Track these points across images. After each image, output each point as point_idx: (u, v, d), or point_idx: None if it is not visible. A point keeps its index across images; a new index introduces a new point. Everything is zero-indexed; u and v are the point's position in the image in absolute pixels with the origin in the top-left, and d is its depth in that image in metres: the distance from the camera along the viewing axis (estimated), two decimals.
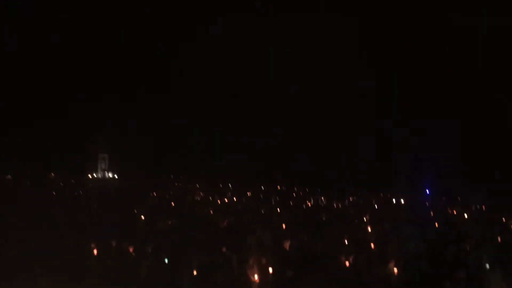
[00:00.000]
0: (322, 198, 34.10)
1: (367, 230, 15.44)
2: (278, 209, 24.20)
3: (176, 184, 59.57)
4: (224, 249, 10.68)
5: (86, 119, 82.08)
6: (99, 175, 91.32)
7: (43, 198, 28.90)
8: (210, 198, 33.40)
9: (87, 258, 10.27)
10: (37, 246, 11.00)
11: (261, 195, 38.63)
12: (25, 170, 61.77)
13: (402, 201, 30.91)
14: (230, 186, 51.39)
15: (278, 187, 49.09)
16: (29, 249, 10.76)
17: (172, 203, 25.85)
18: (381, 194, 38.40)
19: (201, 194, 38.53)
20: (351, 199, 33.32)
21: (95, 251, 10.58)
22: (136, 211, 20.19)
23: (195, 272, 9.34)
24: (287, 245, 11.23)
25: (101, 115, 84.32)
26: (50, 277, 8.72)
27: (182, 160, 76.69)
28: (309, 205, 29.01)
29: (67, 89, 76.59)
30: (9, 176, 63.25)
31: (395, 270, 9.61)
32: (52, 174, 73.99)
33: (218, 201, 30.51)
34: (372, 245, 12.30)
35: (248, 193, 39.28)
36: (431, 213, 24.33)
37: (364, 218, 19.58)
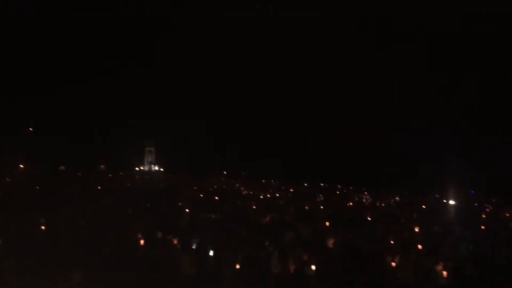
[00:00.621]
0: (367, 196, 33.47)
1: (414, 230, 14.99)
2: (321, 206, 23.96)
3: (220, 179, 60.42)
4: (266, 244, 10.65)
5: (133, 114, 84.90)
6: (146, 168, 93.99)
7: (93, 189, 30.11)
8: (253, 193, 33.55)
9: (133, 249, 10.53)
10: (88, 235, 11.41)
11: (304, 192, 38.44)
12: (77, 162, 64.53)
13: (452, 201, 29.81)
14: (273, 182, 51.47)
15: (322, 184, 48.69)
16: (81, 238, 11.18)
17: (216, 197, 26.14)
18: (429, 194, 37.30)
19: (244, 189, 38.83)
20: (397, 198, 32.50)
21: (141, 242, 10.84)
22: (180, 204, 20.60)
23: (237, 266, 9.38)
24: (330, 242, 11.04)
25: (149, 111, 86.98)
26: (98, 265, 9.01)
27: (226, 156, 77.83)
28: (353, 203, 28.54)
29: (116, 86, 79.49)
30: (62, 167, 66.31)
31: (444, 273, 9.24)
32: (102, 166, 76.92)
33: (261, 196, 30.59)
34: (420, 246, 11.91)
35: (291, 190, 39.16)
36: (482, 214, 23.35)
37: (411, 218, 19.03)
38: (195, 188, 35.07)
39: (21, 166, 58.58)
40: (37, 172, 51.42)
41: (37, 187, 27.99)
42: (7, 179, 36.45)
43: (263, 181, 54.45)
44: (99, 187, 30.67)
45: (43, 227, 12.44)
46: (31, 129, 69.32)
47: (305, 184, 49.77)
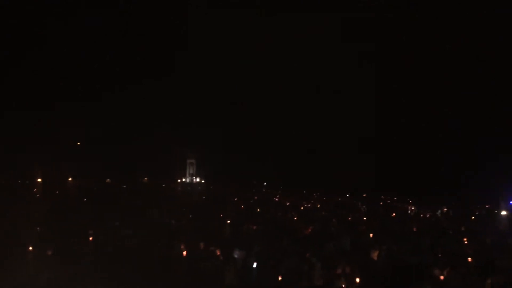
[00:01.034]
0: (411, 207, 32.53)
1: (463, 242, 14.41)
2: (364, 217, 23.50)
3: (260, 190, 60.55)
4: (308, 256, 10.55)
5: (175, 127, 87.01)
6: (188, 180, 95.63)
7: (136, 199, 30.94)
8: (294, 204, 33.36)
9: (176, 259, 10.71)
10: (133, 246, 11.71)
11: (347, 203, 37.84)
12: (122, 175, 66.63)
13: (504, 212, 28.47)
14: (315, 194, 50.97)
15: (364, 195, 47.75)
16: (126, 249, 11.50)
17: (257, 208, 26.16)
18: (478, 205, 35.78)
19: (285, 200, 38.68)
20: (445, 209, 31.37)
21: (184, 253, 11.01)
22: (222, 215, 20.79)
23: (279, 278, 9.34)
24: (375, 255, 10.79)
25: (190, 124, 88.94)
26: (143, 274, 9.23)
27: (267, 167, 78.11)
28: (398, 214, 27.81)
29: (156, 99, 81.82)
30: (108, 180, 68.61)
31: None
32: (146, 178, 79.07)
33: (302, 207, 30.38)
34: (469, 259, 11.43)
35: (333, 200, 38.67)
36: None
37: (459, 229, 18.32)
38: (236, 199, 35.27)
39: (70, 179, 61.10)
40: (85, 185, 53.44)
41: (85, 199, 29.11)
42: (56, 192, 38.10)
43: (304, 192, 54.01)
44: (142, 199, 31.46)
45: (91, 238, 12.88)
46: (78, 143, 72.20)
47: (347, 195, 48.99)
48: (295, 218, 21.28)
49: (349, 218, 21.80)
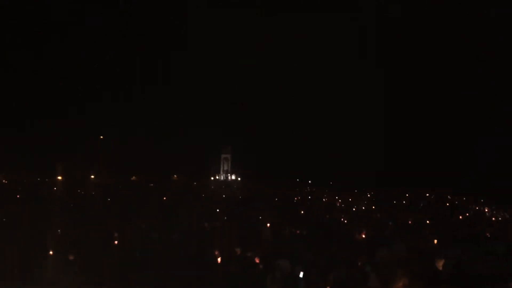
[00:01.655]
0: (485, 209, 31.61)
1: None
2: (427, 220, 23.04)
3: (304, 189, 60.47)
4: (360, 264, 10.45)
5: (210, 123, 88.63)
6: (222, 177, 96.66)
7: (165, 199, 31.60)
8: (344, 205, 33.11)
9: (209, 266, 10.86)
10: (161, 251, 11.97)
11: (406, 203, 37.19)
12: (150, 172, 68.24)
13: None
14: (369, 193, 50.36)
15: (427, 194, 46.78)
16: (153, 254, 11.77)
17: (301, 210, 26.15)
18: None
19: (334, 200, 38.46)
20: None
21: (218, 260, 11.15)
22: (261, 217, 20.91)
23: None
24: (440, 264, 10.55)
25: (227, 120, 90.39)
26: (172, 282, 9.44)
27: (313, 164, 78.04)
28: (468, 217, 27.07)
29: (187, 93, 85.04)
30: (134, 178, 70.50)
31: None
32: (175, 176, 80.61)
33: (354, 208, 30.11)
34: None
35: (390, 200, 38.09)
36: None
37: None
38: (276, 199, 35.39)
39: (92, 177, 63.15)
40: (109, 183, 55.10)
41: (108, 199, 30.04)
42: (78, 191, 39.46)
43: (355, 191, 53.51)
44: (171, 199, 32.09)
45: (116, 242, 13.27)
46: (101, 137, 74.40)
47: (406, 195, 48.09)
48: (345, 221, 21.13)
49: (409, 222, 21.42)
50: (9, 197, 30.13)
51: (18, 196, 30.84)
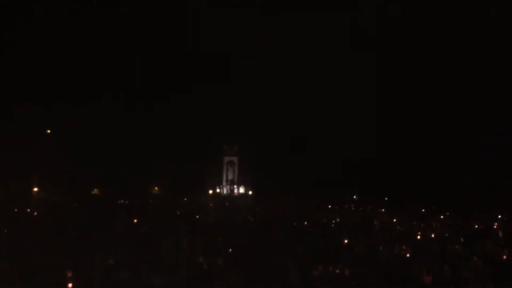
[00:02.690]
0: None
1: None
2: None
3: (349, 206, 60.52)
4: None
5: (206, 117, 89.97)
6: (225, 190, 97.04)
7: (141, 223, 31.89)
8: (400, 227, 33.01)
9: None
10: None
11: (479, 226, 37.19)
12: (120, 184, 69.07)
13: None
14: (441, 215, 50.14)
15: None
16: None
17: (345, 239, 26.05)
18: None
19: (391, 222, 38.32)
20: None
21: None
22: (281, 251, 20.95)
23: None
24: None
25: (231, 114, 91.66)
26: None
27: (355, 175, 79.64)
28: None
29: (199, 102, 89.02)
30: (96, 191, 71.41)
31: None
32: (156, 188, 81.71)
33: (419, 233, 30.00)
34: None
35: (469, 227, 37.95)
36: None
37: None
38: (305, 223, 35.39)
39: (35, 189, 63.96)
40: (60, 198, 55.78)
41: (57, 223, 30.33)
42: (18, 211, 39.91)
43: (423, 210, 53.34)
44: (151, 222, 32.32)
45: (70, 285, 13.40)
46: (48, 131, 75.32)
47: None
48: (408, 255, 21.00)
49: (504, 257, 21.25)
50: None
51: None
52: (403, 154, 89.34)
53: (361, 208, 59.85)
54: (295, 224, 34.41)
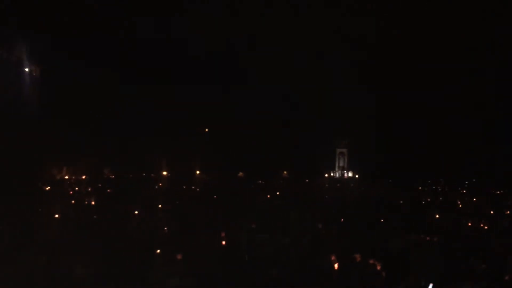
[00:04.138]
0: None
1: None
2: None
3: (437, 189, 58.03)
4: (507, 279, 9.85)
5: (321, 108, 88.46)
6: (337, 174, 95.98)
7: (275, 198, 32.13)
8: (483, 209, 31.28)
9: (325, 272, 10.87)
10: (271, 253, 12.24)
11: None
12: (259, 168, 69.59)
13: None
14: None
15: None
16: (262, 256, 12.07)
17: (436, 214, 25.02)
18: None
19: (470, 204, 36.44)
20: None
21: (335, 266, 11.12)
22: (383, 220, 20.50)
23: None
24: None
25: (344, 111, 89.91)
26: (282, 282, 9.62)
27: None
28: None
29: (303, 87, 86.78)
30: (241, 174, 72.42)
31: None
32: (285, 172, 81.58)
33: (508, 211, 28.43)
34: None
35: None
36: None
37: None
38: (401, 202, 34.37)
39: (197, 172, 65.98)
40: (215, 180, 57.18)
41: (215, 196, 31.20)
42: (184, 187, 41.47)
43: (498, 192, 50.29)
44: (281, 197, 32.48)
45: (223, 242, 13.81)
46: (206, 130, 77.35)
47: None
48: (485, 227, 19.98)
49: None
50: (116, 193, 32.54)
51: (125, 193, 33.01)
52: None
53: (446, 189, 57.37)
54: (392, 202, 33.49)
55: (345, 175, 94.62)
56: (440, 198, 40.67)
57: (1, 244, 12.45)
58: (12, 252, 10.97)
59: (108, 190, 35.33)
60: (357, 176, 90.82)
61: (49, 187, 28.77)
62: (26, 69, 45.90)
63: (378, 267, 10.53)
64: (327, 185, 63.72)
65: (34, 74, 47.55)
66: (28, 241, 12.58)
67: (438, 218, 23.34)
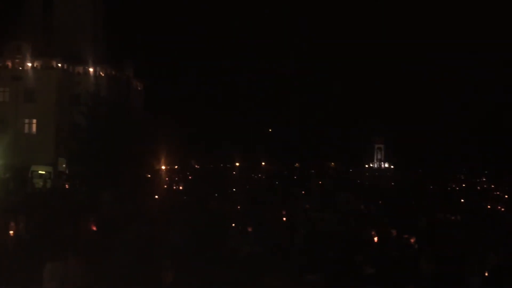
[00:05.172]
0: None
1: None
2: None
3: (459, 177, 55.77)
4: None
5: (364, 111, 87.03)
6: (375, 165, 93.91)
7: (327, 184, 31.89)
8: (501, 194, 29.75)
9: (366, 244, 10.65)
10: (324, 229, 12.15)
11: None
12: (309, 159, 69.18)
13: None
14: None
15: None
16: (317, 231, 11.98)
17: (461, 198, 24.05)
18: None
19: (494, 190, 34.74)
20: None
21: (375, 239, 10.88)
22: (414, 204, 19.88)
23: (486, 274, 8.44)
24: None
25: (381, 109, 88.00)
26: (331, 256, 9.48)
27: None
28: None
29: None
30: (297, 165, 72.26)
31: None
32: (332, 164, 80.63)
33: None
34: None
35: None
36: None
37: None
38: (431, 187, 33.24)
39: (263, 164, 66.49)
40: (275, 169, 57.48)
41: (276, 182, 31.40)
42: (252, 175, 41.91)
43: None
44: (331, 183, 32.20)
45: (284, 219, 13.82)
46: (270, 130, 77.58)
47: None
48: (502, 209, 18.99)
49: None
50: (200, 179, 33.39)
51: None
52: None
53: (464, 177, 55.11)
54: (422, 188, 32.46)
55: (382, 166, 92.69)
56: (464, 185, 39.01)
57: (114, 217, 13.01)
58: (122, 223, 11.43)
59: (193, 177, 36.30)
60: (391, 166, 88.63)
61: (150, 175, 29.81)
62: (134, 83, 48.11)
63: (412, 240, 10.27)
64: (367, 173, 62.58)
65: (139, 88, 49.67)
66: (135, 215, 13.08)
67: (462, 201, 22.42)
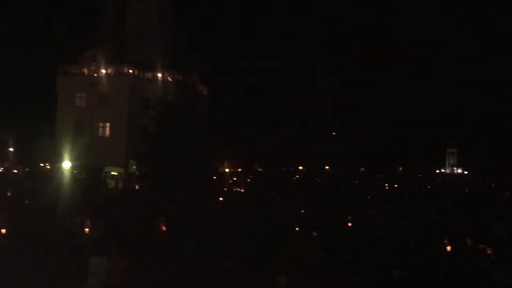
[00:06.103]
0: None
1: None
2: None
3: None
4: None
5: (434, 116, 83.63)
6: (447, 170, 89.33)
7: (393, 189, 30.85)
8: None
9: (438, 254, 10.17)
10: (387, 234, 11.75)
11: None
12: (377, 165, 67.38)
13: None
14: None
15: None
16: (381, 236, 11.63)
17: None
18: None
19: None
20: None
21: (448, 248, 10.37)
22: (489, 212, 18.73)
23: None
24: None
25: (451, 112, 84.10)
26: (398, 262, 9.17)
27: None
28: None
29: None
30: (362, 169, 70.61)
31: None
32: (400, 168, 77.90)
33: None
34: None
35: None
36: None
37: None
38: (507, 193, 31.11)
39: (327, 167, 65.66)
40: (340, 173, 56.49)
41: (340, 186, 30.81)
42: (315, 179, 41.47)
43: None
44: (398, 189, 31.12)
45: (349, 224, 13.54)
46: (333, 134, 76.34)
47: None
48: None
49: None
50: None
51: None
52: None
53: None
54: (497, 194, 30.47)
55: (455, 171, 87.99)
56: None
57: (182, 214, 13.46)
58: (188, 221, 11.79)
59: (256, 180, 36.59)
60: (465, 172, 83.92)
61: (215, 177, 30.42)
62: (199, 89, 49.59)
63: (489, 251, 9.64)
64: (438, 179, 59.80)
65: (204, 92, 51.05)
66: (201, 213, 13.45)
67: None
